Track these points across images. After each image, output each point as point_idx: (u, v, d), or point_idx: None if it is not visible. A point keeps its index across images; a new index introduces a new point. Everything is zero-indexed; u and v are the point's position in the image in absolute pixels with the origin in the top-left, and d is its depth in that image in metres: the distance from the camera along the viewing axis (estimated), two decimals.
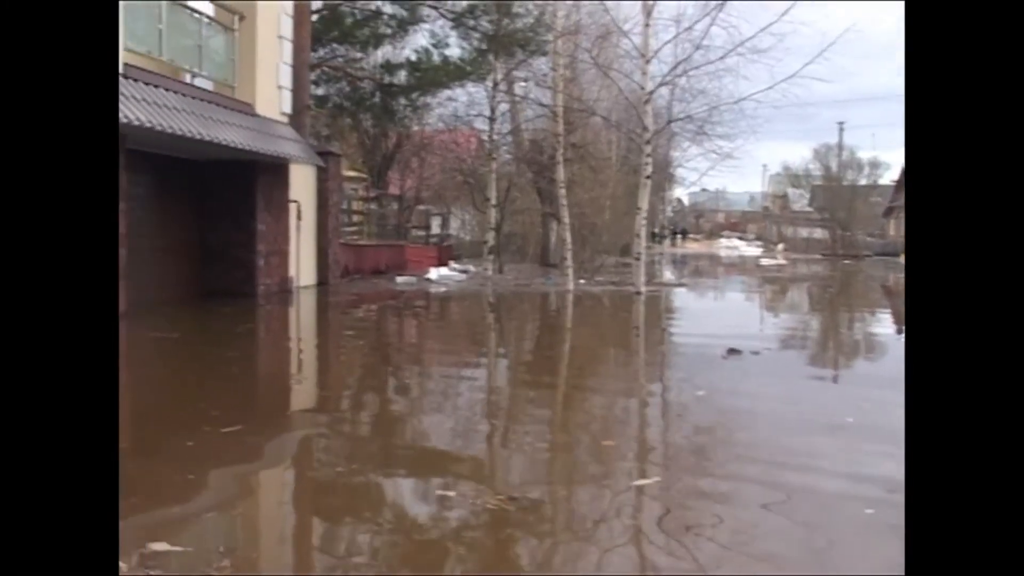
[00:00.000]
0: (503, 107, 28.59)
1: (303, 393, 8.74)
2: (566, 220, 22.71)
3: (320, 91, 29.34)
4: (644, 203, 20.30)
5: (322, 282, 20.53)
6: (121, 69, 12.61)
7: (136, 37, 13.36)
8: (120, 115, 11.44)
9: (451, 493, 4.76)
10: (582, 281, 22.68)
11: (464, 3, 27.88)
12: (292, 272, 18.75)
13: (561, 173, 22.76)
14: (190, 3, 15.56)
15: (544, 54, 26.13)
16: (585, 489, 5.01)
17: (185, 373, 9.24)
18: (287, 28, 18.27)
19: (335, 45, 29.88)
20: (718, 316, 18.02)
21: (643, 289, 19.69)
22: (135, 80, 12.89)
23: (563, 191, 22.68)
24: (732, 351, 10.27)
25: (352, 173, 30.72)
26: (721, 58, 19.48)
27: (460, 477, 5.23)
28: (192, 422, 6.36)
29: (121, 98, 11.89)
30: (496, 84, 27.00)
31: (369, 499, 4.85)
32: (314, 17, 24.70)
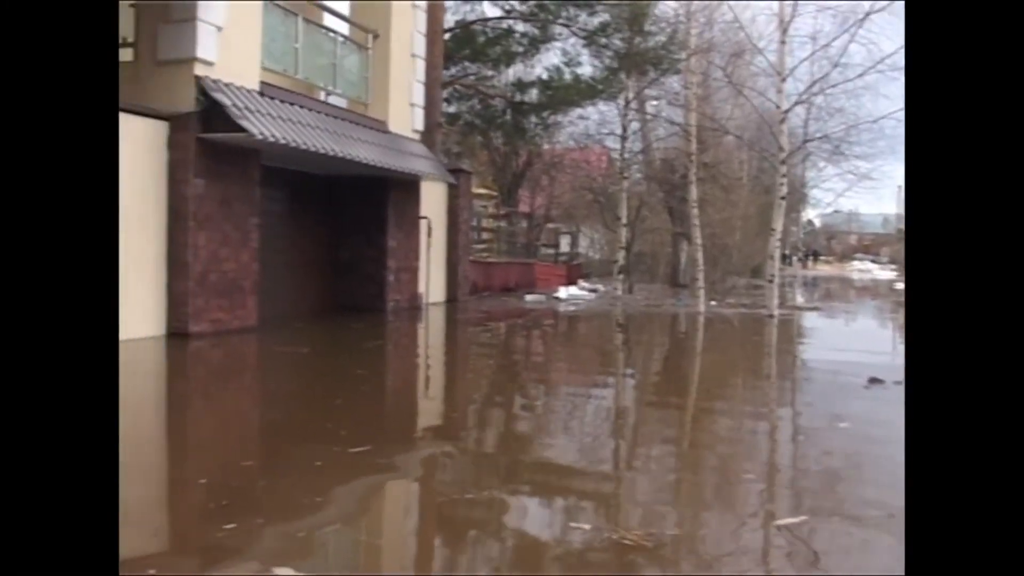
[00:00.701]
0: (634, 125, 28.28)
1: (432, 412, 8.64)
2: (698, 240, 22.33)
3: (452, 109, 29.55)
4: (778, 224, 19.82)
5: (451, 299, 20.58)
6: (258, 87, 12.82)
7: (273, 57, 13.58)
8: (256, 132, 11.60)
9: (585, 526, 4.55)
10: (713, 302, 22.26)
11: (596, 21, 27.75)
12: (422, 288, 18.82)
13: (694, 192, 22.39)
14: (325, 23, 15.78)
15: (677, 72, 25.80)
16: (724, 526, 4.75)
17: (314, 389, 9.23)
18: (420, 46, 18.36)
19: (467, 63, 30.08)
20: (854, 341, 17.41)
21: (776, 312, 19.21)
22: (271, 98, 13.07)
23: (695, 210, 22.32)
24: (874, 380, 9.82)
25: (482, 191, 30.84)
26: (860, 76, 19.03)
27: (590, 508, 5.03)
28: (321, 441, 6.29)
29: (257, 115, 12.06)
30: (628, 102, 26.69)
31: (496, 528, 4.68)
32: (446, 35, 24.86)
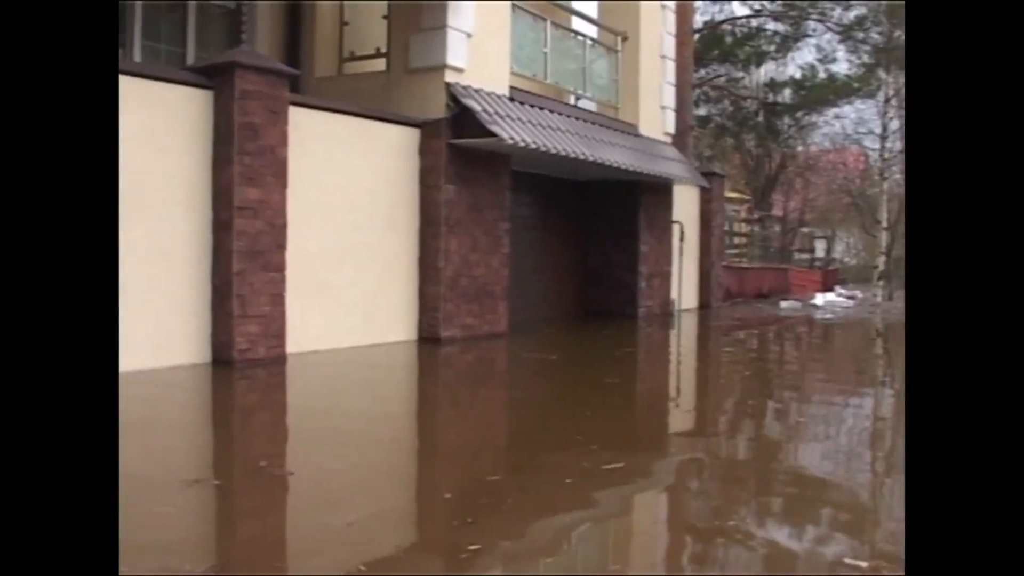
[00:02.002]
0: (894, 124, 26.98)
1: (687, 427, 8.20)
2: None
3: (702, 111, 29.07)
4: None
5: (704, 305, 20.12)
6: (507, 92, 12.78)
7: (522, 62, 13.55)
8: (506, 137, 11.53)
9: (861, 563, 4.05)
10: None
11: (852, 15, 26.71)
12: (674, 294, 18.43)
13: None
14: (573, 27, 15.67)
15: None
16: None
17: (564, 398, 8.99)
18: (669, 48, 17.97)
19: (715, 64, 29.54)
20: None
21: None
22: (521, 103, 13.00)
23: None
24: None
25: (734, 194, 30.18)
26: None
27: (861, 542, 4.53)
28: (571, 455, 5.99)
29: (507, 120, 11.99)
30: (887, 99, 25.48)
31: (759, 561, 4.25)
32: (694, 36, 24.39)
